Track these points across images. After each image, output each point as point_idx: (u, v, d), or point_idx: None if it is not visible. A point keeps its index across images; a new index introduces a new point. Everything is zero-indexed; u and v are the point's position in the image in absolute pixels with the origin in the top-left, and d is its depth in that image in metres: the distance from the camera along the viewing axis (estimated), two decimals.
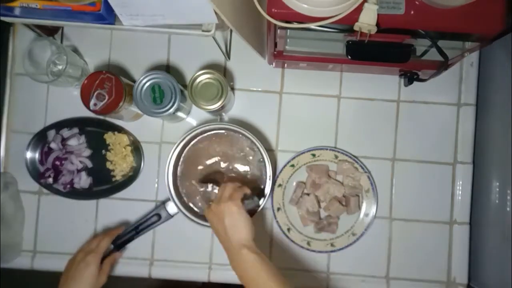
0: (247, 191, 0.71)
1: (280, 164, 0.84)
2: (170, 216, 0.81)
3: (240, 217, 0.66)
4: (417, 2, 0.54)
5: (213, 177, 0.80)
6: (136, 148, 0.84)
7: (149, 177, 0.84)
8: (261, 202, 0.76)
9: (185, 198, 0.80)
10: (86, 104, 0.72)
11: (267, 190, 0.76)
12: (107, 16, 0.65)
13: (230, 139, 0.80)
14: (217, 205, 0.67)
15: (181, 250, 0.83)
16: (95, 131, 0.83)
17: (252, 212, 0.72)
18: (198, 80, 0.73)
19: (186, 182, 0.80)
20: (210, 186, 0.79)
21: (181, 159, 0.80)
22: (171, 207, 0.80)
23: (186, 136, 0.77)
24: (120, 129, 0.83)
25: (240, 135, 0.79)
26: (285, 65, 0.82)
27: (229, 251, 0.65)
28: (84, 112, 0.75)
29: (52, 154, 0.82)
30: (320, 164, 0.82)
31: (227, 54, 0.84)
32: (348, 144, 0.83)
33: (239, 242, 0.64)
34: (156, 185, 0.84)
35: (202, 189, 0.80)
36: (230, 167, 0.80)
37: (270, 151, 0.84)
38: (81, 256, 0.74)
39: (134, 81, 0.74)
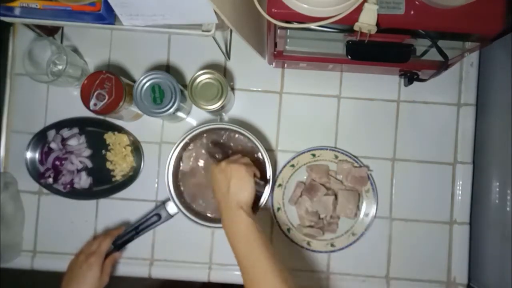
0: (258, 172, 0.71)
1: (280, 164, 0.84)
2: (170, 216, 0.81)
3: (247, 182, 0.67)
4: (417, 2, 0.54)
5: (222, 149, 0.79)
6: (136, 148, 0.84)
7: (149, 177, 0.84)
8: (263, 198, 0.75)
9: (186, 198, 0.80)
10: (86, 104, 0.72)
11: (267, 190, 0.76)
12: (107, 16, 0.65)
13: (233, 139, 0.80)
14: (228, 164, 0.68)
15: (181, 250, 0.83)
16: (95, 131, 0.84)
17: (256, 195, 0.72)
18: (198, 80, 0.73)
19: (189, 180, 0.80)
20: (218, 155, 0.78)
21: (182, 157, 0.80)
22: (171, 207, 0.80)
23: (186, 136, 0.77)
24: (120, 129, 0.83)
25: (241, 136, 0.79)
26: (285, 65, 0.82)
27: (225, 209, 0.66)
28: (84, 112, 0.75)
29: (52, 154, 0.82)
30: (320, 164, 0.82)
31: (227, 54, 0.84)
32: (348, 144, 0.83)
33: (239, 203, 0.65)
34: (156, 185, 0.84)
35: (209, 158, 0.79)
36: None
37: (270, 151, 0.84)
38: (83, 258, 0.74)
39: (134, 81, 0.74)
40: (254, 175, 0.70)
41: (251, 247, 0.63)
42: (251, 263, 0.62)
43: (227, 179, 0.67)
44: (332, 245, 0.81)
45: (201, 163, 0.81)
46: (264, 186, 0.74)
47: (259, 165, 0.77)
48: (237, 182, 0.66)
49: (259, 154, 0.78)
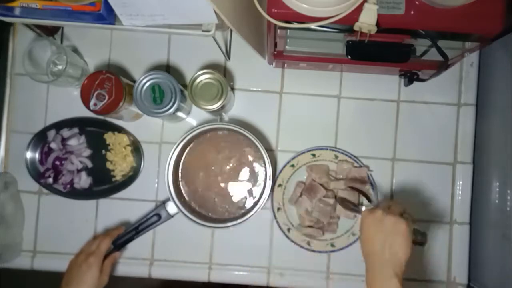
0: (411, 223, 0.63)
1: (280, 164, 0.84)
2: (170, 216, 0.81)
3: (406, 241, 0.59)
4: (417, 2, 0.54)
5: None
6: (136, 148, 0.84)
7: (149, 177, 0.84)
8: (260, 203, 0.76)
9: (186, 197, 0.80)
10: (86, 104, 0.72)
11: (267, 190, 0.76)
12: (107, 16, 0.65)
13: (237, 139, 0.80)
14: (386, 216, 0.60)
15: (181, 250, 0.83)
16: (95, 131, 0.83)
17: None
18: (198, 80, 0.73)
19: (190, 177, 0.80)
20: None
21: (183, 157, 0.80)
22: (171, 207, 0.80)
23: (186, 136, 0.77)
24: (120, 129, 0.83)
25: (243, 136, 0.79)
26: (285, 65, 0.82)
27: (374, 265, 0.59)
28: (84, 112, 0.75)
29: (52, 154, 0.82)
30: (320, 164, 0.82)
31: (227, 54, 0.84)
32: (348, 144, 0.83)
33: (394, 268, 0.58)
34: (156, 185, 0.84)
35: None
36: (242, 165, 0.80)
37: (270, 151, 0.84)
38: (83, 258, 0.74)
39: (134, 81, 0.74)
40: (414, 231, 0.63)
41: None
42: None
43: (383, 233, 0.59)
44: (332, 245, 0.81)
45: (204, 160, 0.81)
46: (425, 239, 0.66)
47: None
48: (395, 239, 0.59)
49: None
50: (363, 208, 0.67)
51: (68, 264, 0.76)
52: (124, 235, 0.81)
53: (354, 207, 0.71)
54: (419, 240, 0.65)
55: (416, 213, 0.83)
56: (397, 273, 0.57)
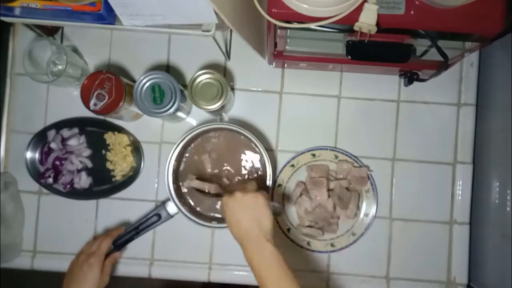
0: (266, 194, 0.68)
1: (280, 164, 0.84)
2: (170, 216, 0.81)
3: (266, 210, 0.64)
4: (417, 2, 0.54)
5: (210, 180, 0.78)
6: (136, 148, 0.84)
7: (149, 177, 0.84)
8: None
9: (186, 197, 0.80)
10: (86, 104, 0.72)
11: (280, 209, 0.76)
12: (107, 16, 0.65)
13: (231, 138, 0.80)
14: (244, 194, 0.64)
15: (181, 250, 0.83)
16: (95, 131, 0.83)
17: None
18: (198, 80, 0.73)
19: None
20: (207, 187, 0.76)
21: (183, 157, 0.80)
22: (171, 207, 0.80)
23: (186, 136, 0.77)
24: (120, 129, 0.83)
25: (242, 136, 0.79)
26: (285, 65, 0.82)
27: (250, 242, 0.62)
28: (84, 112, 0.75)
29: (52, 154, 0.82)
30: (320, 164, 0.82)
31: (227, 54, 0.84)
32: (348, 144, 0.83)
33: (264, 235, 0.62)
34: (156, 185, 0.84)
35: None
36: (232, 169, 0.80)
37: (270, 151, 0.84)
38: (83, 258, 0.75)
39: (134, 81, 0.74)
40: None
41: (282, 280, 0.60)
42: None
43: (245, 210, 0.63)
44: (332, 245, 0.81)
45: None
46: (281, 208, 0.71)
47: (260, 180, 0.75)
48: (257, 212, 0.63)
49: (260, 154, 0.78)
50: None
51: (69, 264, 0.76)
52: (124, 235, 0.81)
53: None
54: (277, 211, 0.70)
55: (416, 213, 0.83)
56: (269, 239, 0.62)
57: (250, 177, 0.79)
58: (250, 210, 0.63)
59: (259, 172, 0.79)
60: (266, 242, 0.62)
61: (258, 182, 0.72)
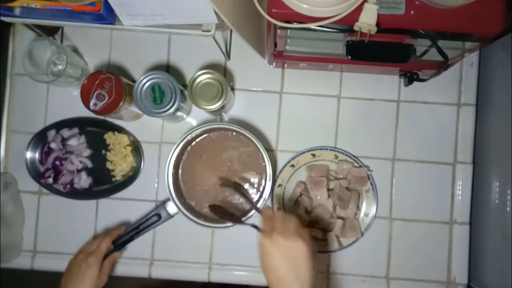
0: (308, 237, 0.61)
1: (280, 164, 0.84)
2: (170, 216, 0.81)
3: (310, 263, 0.57)
4: (417, 2, 0.54)
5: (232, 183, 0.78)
6: (136, 148, 0.84)
7: (149, 177, 0.84)
8: (260, 203, 0.76)
9: (186, 197, 0.80)
10: (86, 104, 0.72)
11: (267, 190, 0.76)
12: (107, 16, 0.65)
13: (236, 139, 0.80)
14: (285, 239, 0.58)
15: (181, 250, 0.83)
16: (95, 131, 0.83)
17: None
18: (198, 80, 0.73)
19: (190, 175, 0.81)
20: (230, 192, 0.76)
21: (183, 157, 0.80)
22: (171, 207, 0.80)
23: (186, 136, 0.77)
24: (120, 129, 0.83)
25: (241, 136, 0.79)
26: (285, 65, 0.82)
27: None
28: (84, 112, 0.75)
29: (52, 154, 0.82)
30: (320, 164, 0.82)
31: (227, 54, 0.84)
32: (348, 144, 0.83)
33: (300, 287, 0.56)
34: (156, 185, 0.84)
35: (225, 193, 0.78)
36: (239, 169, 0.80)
37: (270, 151, 0.84)
38: (82, 257, 0.74)
39: (134, 81, 0.74)
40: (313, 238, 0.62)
41: None
42: None
43: (285, 258, 0.57)
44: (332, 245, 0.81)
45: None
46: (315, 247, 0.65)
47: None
48: (299, 263, 0.57)
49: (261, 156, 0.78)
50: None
51: (68, 263, 0.76)
52: (124, 235, 0.81)
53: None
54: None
55: (416, 213, 0.83)
56: None
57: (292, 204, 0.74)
58: (290, 259, 0.57)
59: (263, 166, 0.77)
60: None
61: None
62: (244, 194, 0.75)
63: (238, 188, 0.76)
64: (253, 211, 0.73)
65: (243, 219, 0.73)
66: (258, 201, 0.78)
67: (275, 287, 0.58)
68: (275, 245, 0.58)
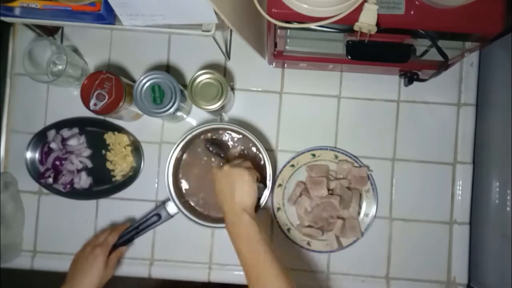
0: (259, 176, 0.72)
1: (280, 164, 0.84)
2: (170, 216, 0.81)
3: (250, 186, 0.68)
4: (417, 2, 0.54)
5: (221, 147, 0.79)
6: (136, 148, 0.84)
7: (149, 177, 0.84)
8: (263, 199, 0.76)
9: (186, 197, 0.80)
10: (86, 104, 0.72)
11: (267, 192, 0.76)
12: (107, 16, 0.65)
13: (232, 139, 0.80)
14: (232, 168, 0.69)
15: (181, 250, 0.83)
16: (95, 131, 0.83)
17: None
18: (198, 80, 0.73)
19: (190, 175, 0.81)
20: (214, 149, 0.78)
21: (183, 157, 0.80)
22: (171, 207, 0.80)
23: (186, 136, 0.77)
24: (120, 129, 0.83)
25: (242, 136, 0.79)
26: (285, 65, 0.82)
27: (229, 212, 0.67)
28: (84, 112, 0.75)
29: (52, 154, 0.82)
30: (320, 164, 0.82)
31: (227, 54, 0.84)
32: (348, 144, 0.83)
33: (243, 207, 0.66)
34: (156, 185, 0.84)
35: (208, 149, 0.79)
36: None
37: (270, 151, 0.84)
38: (89, 249, 0.75)
39: (134, 81, 0.74)
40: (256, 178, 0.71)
41: (256, 249, 0.64)
42: (256, 265, 0.63)
43: (230, 182, 0.68)
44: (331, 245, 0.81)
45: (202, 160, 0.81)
46: (264, 189, 0.75)
47: (259, 167, 0.77)
48: (241, 186, 0.67)
49: (260, 155, 0.78)
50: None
51: (74, 256, 0.76)
52: (124, 235, 0.80)
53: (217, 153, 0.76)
54: (260, 191, 0.73)
55: (416, 213, 0.83)
56: (246, 210, 0.66)
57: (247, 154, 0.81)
58: (232, 184, 0.68)
59: (261, 158, 0.79)
60: (242, 212, 0.66)
61: (254, 162, 0.77)
62: (217, 148, 0.77)
63: (214, 144, 0.78)
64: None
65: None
66: (258, 201, 0.77)
67: (223, 209, 0.69)
68: (222, 172, 0.70)
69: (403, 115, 0.84)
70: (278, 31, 0.61)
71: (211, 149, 0.77)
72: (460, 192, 0.83)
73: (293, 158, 0.82)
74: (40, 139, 0.83)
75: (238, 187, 0.67)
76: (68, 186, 0.82)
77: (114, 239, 0.77)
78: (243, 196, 0.67)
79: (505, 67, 0.78)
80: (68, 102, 0.84)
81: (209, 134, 0.80)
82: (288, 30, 0.62)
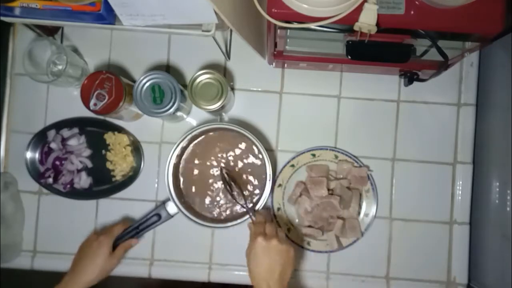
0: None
1: (280, 164, 0.84)
2: (170, 216, 0.81)
3: (293, 264, 0.68)
4: (417, 2, 0.54)
5: (231, 176, 0.79)
6: (136, 148, 0.84)
7: (149, 177, 0.84)
8: (260, 203, 0.76)
9: (186, 198, 0.80)
10: (86, 104, 0.72)
11: (267, 190, 0.76)
12: (107, 16, 0.65)
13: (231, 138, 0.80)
14: (280, 244, 0.67)
15: (181, 250, 0.83)
16: (95, 131, 0.83)
17: None
18: (198, 80, 0.73)
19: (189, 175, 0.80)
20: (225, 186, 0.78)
21: (183, 157, 0.80)
22: (171, 207, 0.80)
23: (186, 136, 0.77)
24: (120, 129, 0.83)
25: (242, 136, 0.79)
26: (285, 65, 0.82)
27: (265, 283, 0.65)
28: (84, 112, 0.75)
29: (52, 154, 0.82)
30: (320, 164, 0.82)
31: (227, 54, 0.84)
32: (348, 144, 0.83)
33: (282, 283, 0.65)
34: (156, 185, 0.84)
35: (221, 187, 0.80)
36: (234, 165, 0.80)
37: (270, 151, 0.84)
38: (94, 237, 0.76)
39: (134, 81, 0.74)
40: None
41: None
42: None
43: (277, 260, 0.66)
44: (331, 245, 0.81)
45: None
46: None
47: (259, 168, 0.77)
48: (286, 263, 0.67)
49: (260, 156, 0.78)
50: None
51: (80, 245, 0.77)
52: (124, 235, 0.80)
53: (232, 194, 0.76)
54: None
55: (416, 213, 0.83)
56: (285, 286, 0.66)
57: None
58: (281, 259, 0.66)
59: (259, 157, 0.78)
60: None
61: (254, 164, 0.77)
62: (232, 193, 0.76)
63: (230, 184, 0.77)
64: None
65: (243, 204, 0.75)
66: (258, 200, 0.78)
67: (257, 280, 0.66)
68: (271, 246, 0.67)
69: (403, 115, 0.84)
70: (278, 31, 0.61)
71: (227, 178, 0.76)
72: (460, 192, 0.83)
73: (293, 158, 0.82)
74: (40, 139, 0.83)
75: (284, 262, 0.66)
76: (68, 186, 0.82)
77: (120, 229, 0.78)
78: (287, 273, 0.67)
79: (505, 67, 0.78)
80: (68, 102, 0.84)
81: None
82: (288, 30, 0.62)
